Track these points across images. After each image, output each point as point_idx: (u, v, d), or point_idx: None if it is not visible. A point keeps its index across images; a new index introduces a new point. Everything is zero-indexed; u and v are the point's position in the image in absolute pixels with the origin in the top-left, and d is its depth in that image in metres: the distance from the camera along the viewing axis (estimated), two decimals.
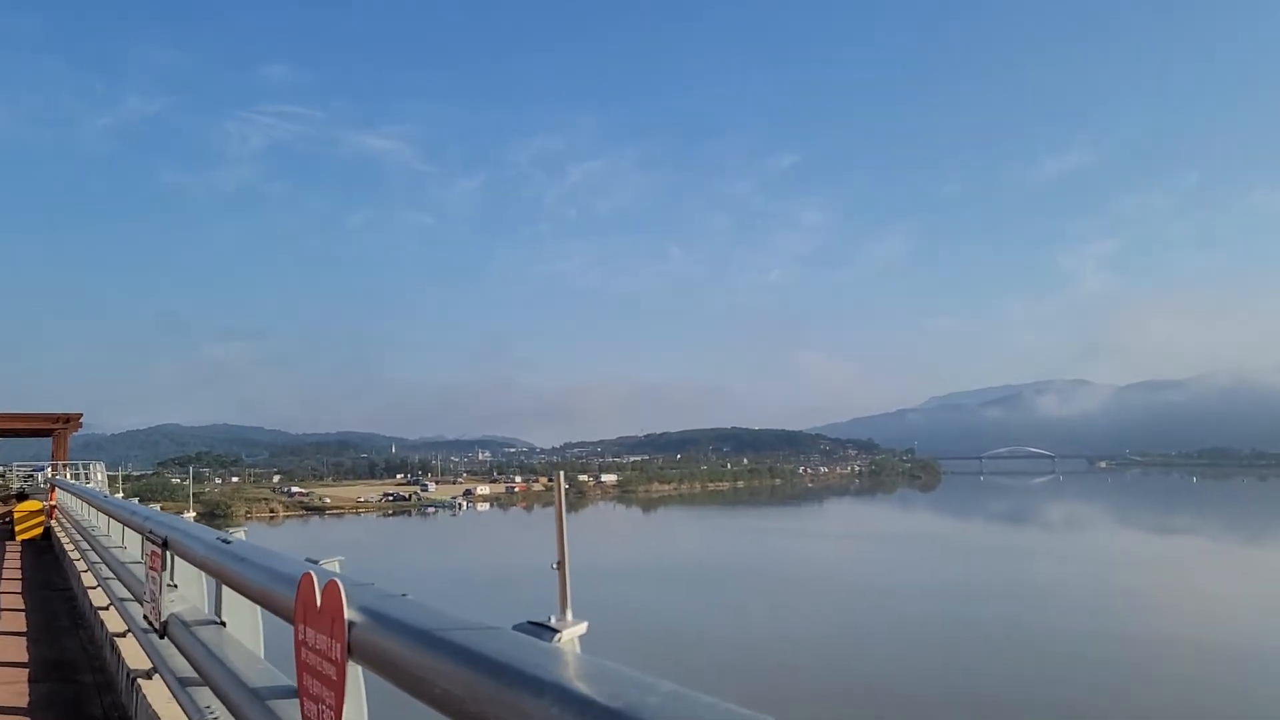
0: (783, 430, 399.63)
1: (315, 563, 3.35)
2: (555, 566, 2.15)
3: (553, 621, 2.02)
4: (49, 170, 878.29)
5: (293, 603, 2.87)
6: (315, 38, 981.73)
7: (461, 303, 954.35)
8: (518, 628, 2.00)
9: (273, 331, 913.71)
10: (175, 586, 5.37)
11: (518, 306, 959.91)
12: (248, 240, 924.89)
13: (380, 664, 2.20)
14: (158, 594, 5.28)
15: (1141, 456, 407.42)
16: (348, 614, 2.38)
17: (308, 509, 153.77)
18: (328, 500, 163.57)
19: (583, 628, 2.02)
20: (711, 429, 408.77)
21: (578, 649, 1.95)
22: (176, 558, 5.30)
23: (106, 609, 8.83)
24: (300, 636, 2.74)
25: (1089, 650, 39.88)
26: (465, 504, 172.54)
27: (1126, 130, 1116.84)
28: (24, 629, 9.42)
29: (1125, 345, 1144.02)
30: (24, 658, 8.06)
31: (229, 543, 4.30)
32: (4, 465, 34.34)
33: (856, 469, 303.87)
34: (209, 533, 4.79)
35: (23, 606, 10.83)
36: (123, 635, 7.46)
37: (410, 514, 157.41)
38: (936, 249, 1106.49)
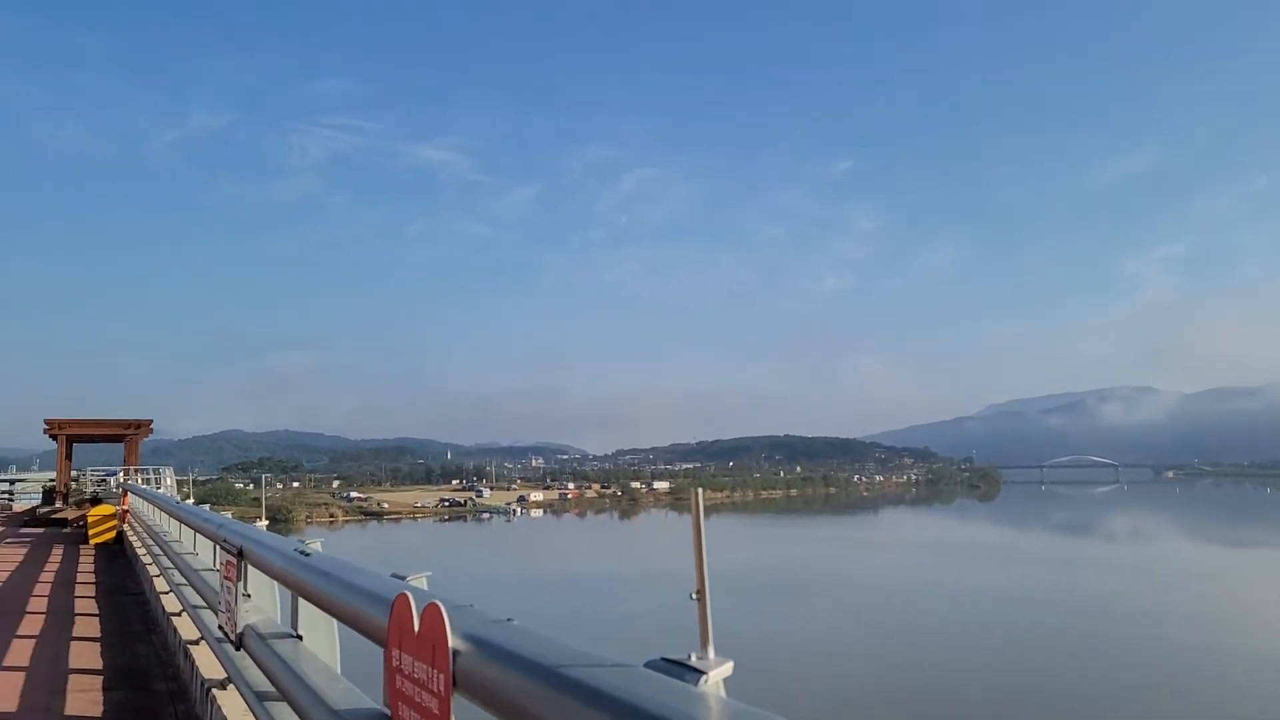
0: (837, 438, 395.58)
1: (403, 579, 3.18)
2: (694, 596, 1.78)
3: (693, 660, 1.73)
4: (117, 184, 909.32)
5: (385, 625, 2.68)
6: (370, 50, 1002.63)
7: (515, 311, 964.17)
8: (650, 665, 1.73)
9: (332, 340, 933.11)
10: (249, 596, 5.27)
11: (570, 314, 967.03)
12: (307, 251, 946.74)
13: (491, 700, 1.99)
14: (233, 605, 5.18)
15: (1212, 466, 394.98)
16: (452, 641, 2.18)
17: (366, 514, 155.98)
18: (385, 505, 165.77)
19: (728, 668, 1.72)
20: (764, 436, 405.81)
21: (723, 693, 1.67)
22: (251, 568, 5.21)
23: (179, 615, 8.85)
24: (395, 663, 2.55)
25: (1155, 661, 38.78)
26: (519, 510, 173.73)
27: (1194, 133, 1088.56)
28: (98, 634, 9.49)
29: (1193, 351, 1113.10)
30: (98, 664, 8.08)
31: (308, 555, 4.15)
32: (79, 470, 35.26)
33: (913, 478, 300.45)
34: (286, 543, 4.66)
35: (96, 611, 10.93)
36: (196, 643, 7.43)
37: (466, 519, 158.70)
38: (995, 254, 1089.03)
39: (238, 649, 5.11)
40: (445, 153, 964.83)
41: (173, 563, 9.83)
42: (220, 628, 5.69)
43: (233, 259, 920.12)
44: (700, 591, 1.79)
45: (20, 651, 8.62)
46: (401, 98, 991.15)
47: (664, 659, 1.74)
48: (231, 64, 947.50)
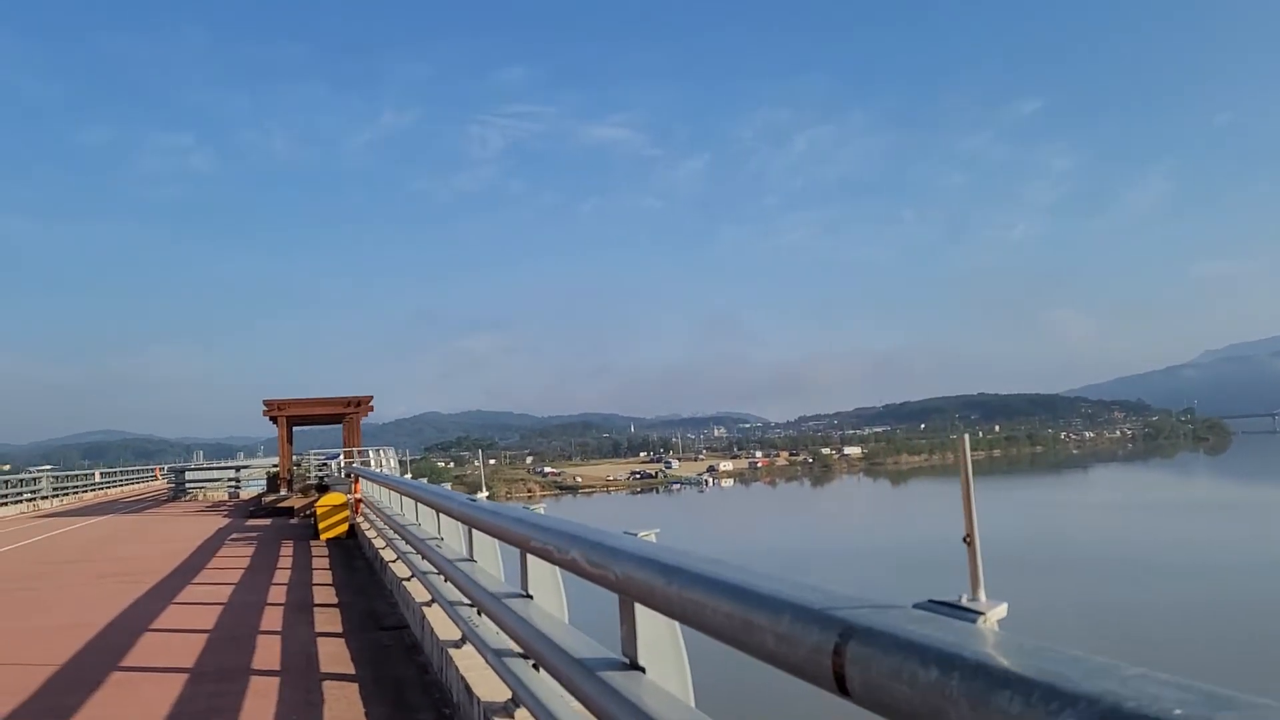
0: (1037, 394, 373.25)
1: (633, 535, 3.23)
2: (965, 540, 1.78)
3: (964, 600, 1.66)
4: (320, 185, 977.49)
5: None
6: (544, 33, 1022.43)
7: (690, 282, 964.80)
8: (919, 606, 1.66)
9: (517, 321, 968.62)
10: None
11: (746, 282, 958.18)
12: (492, 236, 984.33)
13: None
14: None
15: None
16: None
17: (561, 488, 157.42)
18: (579, 479, 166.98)
19: (1003, 610, 1.61)
20: (956, 396, 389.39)
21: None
22: None
23: (515, 716, 4.77)
24: None
25: None
26: (711, 480, 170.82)
27: None
28: None
29: None
30: None
31: None
32: (300, 454, 33.33)
33: (1127, 432, 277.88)
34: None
35: (353, 670, 7.08)
36: None
37: (657, 491, 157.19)
38: (1207, 186, 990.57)
39: None
40: (617, 130, 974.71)
41: (468, 595, 5.81)
42: None
43: (425, 249, 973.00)
44: (970, 536, 1.81)
45: None
46: (574, 79, 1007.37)
47: (932, 601, 1.69)
48: (415, 61, 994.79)
